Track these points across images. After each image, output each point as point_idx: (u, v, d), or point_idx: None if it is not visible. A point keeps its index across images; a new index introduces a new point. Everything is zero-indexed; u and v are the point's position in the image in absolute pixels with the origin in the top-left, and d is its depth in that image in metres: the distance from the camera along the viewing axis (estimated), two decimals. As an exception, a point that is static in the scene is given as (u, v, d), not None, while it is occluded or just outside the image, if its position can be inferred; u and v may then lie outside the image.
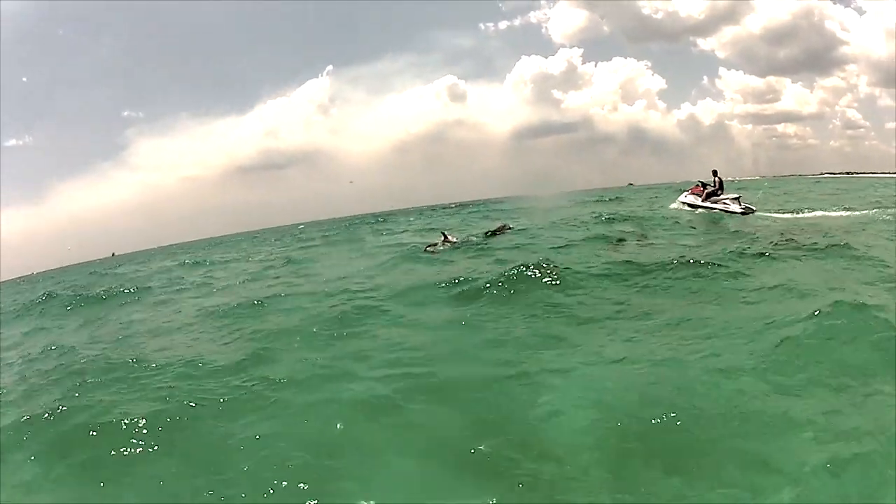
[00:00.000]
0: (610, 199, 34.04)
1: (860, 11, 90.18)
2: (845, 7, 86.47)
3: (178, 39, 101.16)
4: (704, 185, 20.15)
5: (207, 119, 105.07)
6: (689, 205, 20.29)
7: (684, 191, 22.26)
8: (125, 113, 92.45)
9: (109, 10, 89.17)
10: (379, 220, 43.27)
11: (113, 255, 58.66)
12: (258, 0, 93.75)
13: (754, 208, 18.79)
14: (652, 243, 13.91)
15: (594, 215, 20.76)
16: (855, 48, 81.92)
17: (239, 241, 45.45)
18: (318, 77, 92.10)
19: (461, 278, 10.75)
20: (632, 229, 16.42)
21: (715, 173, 20.05)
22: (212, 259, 26.01)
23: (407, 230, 28.05)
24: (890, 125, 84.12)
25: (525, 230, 18.85)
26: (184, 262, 25.66)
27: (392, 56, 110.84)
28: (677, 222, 17.82)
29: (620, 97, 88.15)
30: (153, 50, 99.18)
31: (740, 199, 18.90)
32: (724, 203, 18.88)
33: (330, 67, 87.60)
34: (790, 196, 28.23)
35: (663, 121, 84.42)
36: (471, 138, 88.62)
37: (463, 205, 57.44)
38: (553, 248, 13.80)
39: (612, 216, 20.17)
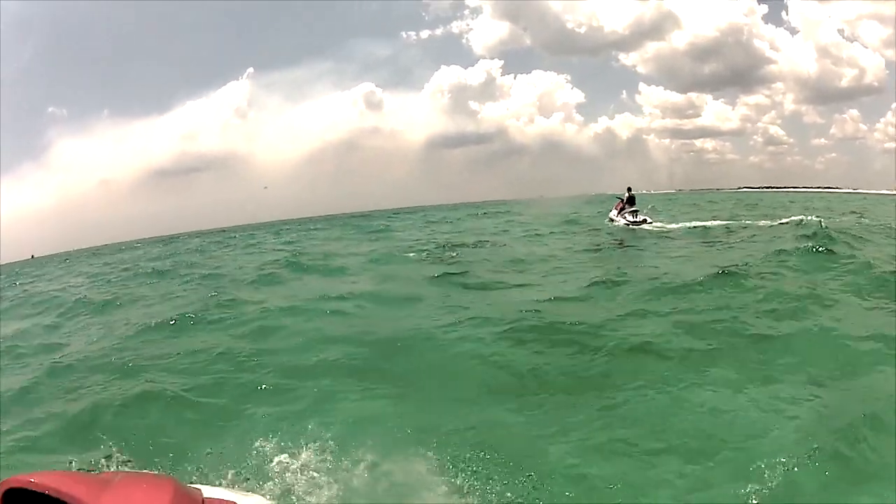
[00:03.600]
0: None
1: (793, 31, 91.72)
2: (777, 27, 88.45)
3: (104, 36, 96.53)
4: (623, 201, 23.59)
5: (127, 119, 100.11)
6: (612, 218, 23.89)
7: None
8: (50, 109, 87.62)
9: (38, 7, 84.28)
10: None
11: (32, 256, 56.30)
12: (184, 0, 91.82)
13: (649, 220, 22.43)
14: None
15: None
16: (783, 66, 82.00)
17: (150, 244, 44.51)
18: (238, 80, 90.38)
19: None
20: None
21: (629, 190, 23.64)
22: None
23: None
24: (815, 141, 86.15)
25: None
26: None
27: (312, 61, 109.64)
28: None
29: (538, 109, 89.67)
30: (79, 46, 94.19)
31: (637, 213, 22.58)
32: (625, 217, 22.66)
33: (250, 70, 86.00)
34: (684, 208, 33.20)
35: (579, 134, 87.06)
36: (386, 147, 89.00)
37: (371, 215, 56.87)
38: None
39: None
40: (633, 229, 21.41)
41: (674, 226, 21.41)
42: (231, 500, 2.11)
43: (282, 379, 6.38)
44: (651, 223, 22.15)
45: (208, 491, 2.00)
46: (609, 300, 9.08)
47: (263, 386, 6.21)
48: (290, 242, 26.52)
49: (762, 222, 20.30)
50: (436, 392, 5.79)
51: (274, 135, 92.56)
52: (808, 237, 13.51)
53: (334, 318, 8.98)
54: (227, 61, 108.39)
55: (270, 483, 4.06)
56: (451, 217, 40.82)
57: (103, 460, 4.62)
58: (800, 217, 19.85)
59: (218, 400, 5.96)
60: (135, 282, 16.98)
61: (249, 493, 2.32)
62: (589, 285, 10.16)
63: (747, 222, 20.97)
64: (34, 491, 1.55)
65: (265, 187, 74.20)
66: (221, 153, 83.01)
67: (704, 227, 20.34)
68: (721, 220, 21.90)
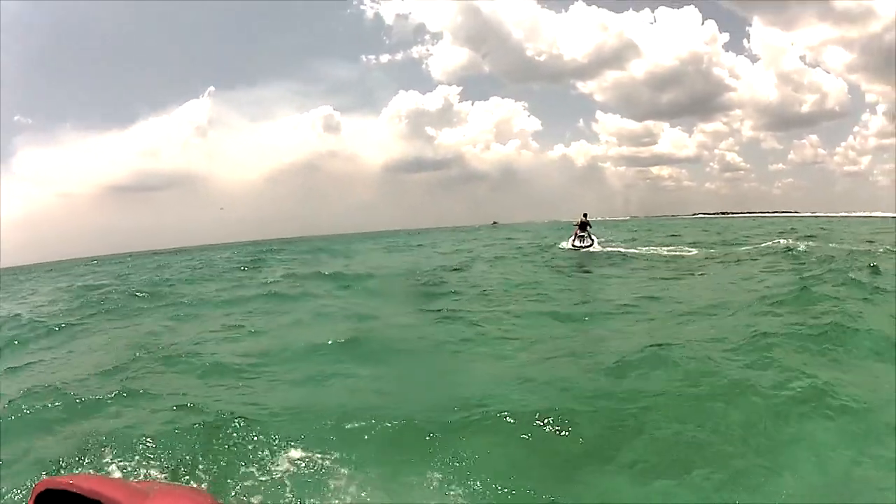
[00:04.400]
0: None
1: (753, 59, 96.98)
2: (738, 55, 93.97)
3: (72, 47, 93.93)
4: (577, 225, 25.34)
5: (90, 133, 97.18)
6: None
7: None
8: (16, 118, 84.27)
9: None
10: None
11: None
12: (148, 14, 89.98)
13: (596, 243, 24.42)
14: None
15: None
16: (743, 94, 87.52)
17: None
18: (199, 98, 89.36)
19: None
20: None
21: (584, 216, 25.16)
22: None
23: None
24: (773, 167, 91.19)
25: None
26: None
27: (273, 82, 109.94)
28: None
29: (494, 136, 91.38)
30: (46, 56, 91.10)
31: (584, 238, 24.49)
32: (574, 241, 24.77)
33: (212, 88, 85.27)
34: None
35: (535, 161, 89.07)
36: (344, 170, 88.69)
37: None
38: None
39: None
40: (596, 253, 23.04)
41: (643, 250, 22.97)
42: None
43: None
44: (591, 245, 24.06)
45: None
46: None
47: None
48: (253, 267, 25.26)
49: (743, 248, 21.41)
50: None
51: (233, 155, 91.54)
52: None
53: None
54: (188, 79, 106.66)
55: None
56: (413, 242, 40.80)
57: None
58: (776, 241, 21.34)
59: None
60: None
61: None
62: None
63: (720, 249, 22.44)
64: (68, 494, 1.49)
65: (221, 208, 73.17)
66: (181, 172, 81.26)
67: (680, 254, 21.22)
68: (701, 247, 23.17)
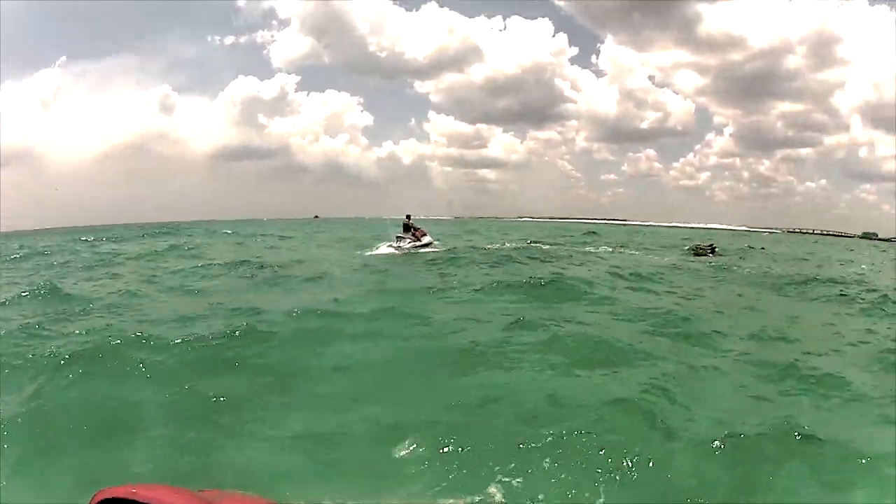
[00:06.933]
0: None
1: (599, 74, 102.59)
2: (583, 69, 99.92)
3: None
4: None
5: None
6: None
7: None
8: None
9: None
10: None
11: None
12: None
13: (403, 245, 24.99)
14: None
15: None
16: (581, 106, 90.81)
17: None
18: (51, 67, 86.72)
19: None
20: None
21: (408, 217, 26.07)
22: None
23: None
24: (605, 177, 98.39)
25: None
26: None
27: (121, 55, 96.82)
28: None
29: (324, 129, 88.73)
30: None
31: (402, 239, 25.22)
32: (397, 242, 25.10)
33: (63, 59, 73.71)
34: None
35: (362, 156, 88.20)
36: (169, 154, 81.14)
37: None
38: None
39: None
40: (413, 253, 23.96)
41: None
42: None
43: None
44: (402, 248, 24.72)
45: None
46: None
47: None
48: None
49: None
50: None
51: (72, 131, 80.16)
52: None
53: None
54: (42, 47, 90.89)
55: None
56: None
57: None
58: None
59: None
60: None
61: None
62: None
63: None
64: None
65: (56, 189, 63.51)
66: (19, 147, 68.83)
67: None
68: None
